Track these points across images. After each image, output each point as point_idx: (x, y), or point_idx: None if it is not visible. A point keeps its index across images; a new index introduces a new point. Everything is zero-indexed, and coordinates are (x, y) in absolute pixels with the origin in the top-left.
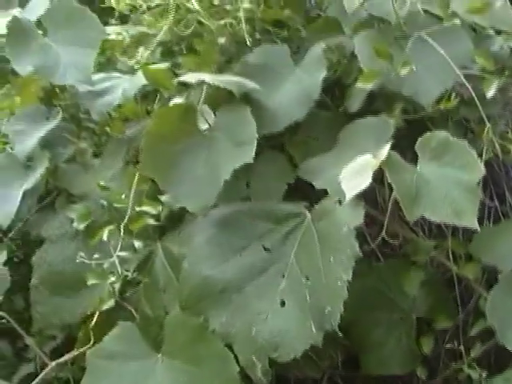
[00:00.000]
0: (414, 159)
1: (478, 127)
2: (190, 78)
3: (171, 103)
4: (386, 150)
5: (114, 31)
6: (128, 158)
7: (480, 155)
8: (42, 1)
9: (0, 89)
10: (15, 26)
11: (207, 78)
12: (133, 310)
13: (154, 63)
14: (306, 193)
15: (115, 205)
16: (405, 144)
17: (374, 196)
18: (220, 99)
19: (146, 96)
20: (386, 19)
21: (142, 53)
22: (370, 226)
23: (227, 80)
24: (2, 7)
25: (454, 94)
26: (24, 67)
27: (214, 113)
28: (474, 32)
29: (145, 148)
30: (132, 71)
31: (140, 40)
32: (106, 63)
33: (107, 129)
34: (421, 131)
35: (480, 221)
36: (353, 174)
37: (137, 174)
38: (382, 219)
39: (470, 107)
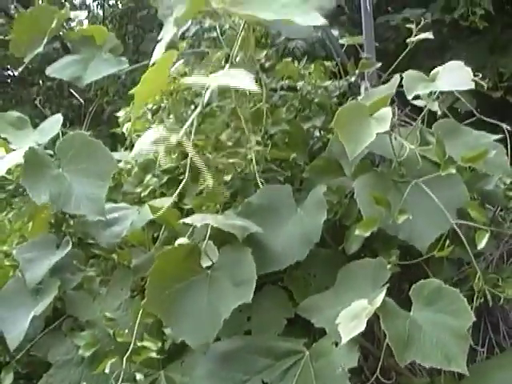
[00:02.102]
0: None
1: (471, 271)
2: (196, 220)
3: (176, 243)
4: (381, 296)
5: (122, 157)
6: (134, 287)
7: (471, 299)
8: (53, 125)
9: (12, 210)
10: (32, 156)
11: (212, 221)
12: None
13: (162, 194)
14: (305, 325)
15: (119, 339)
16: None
17: (372, 328)
18: (224, 238)
19: (153, 223)
20: (385, 159)
21: (149, 181)
22: (366, 358)
23: (231, 223)
24: (17, 126)
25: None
26: (39, 197)
27: (218, 249)
28: (470, 170)
29: (149, 286)
30: (139, 198)
31: (147, 167)
32: (113, 187)
33: (114, 256)
34: (416, 270)
35: (474, 350)
36: (349, 318)
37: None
38: (378, 354)
39: (463, 250)
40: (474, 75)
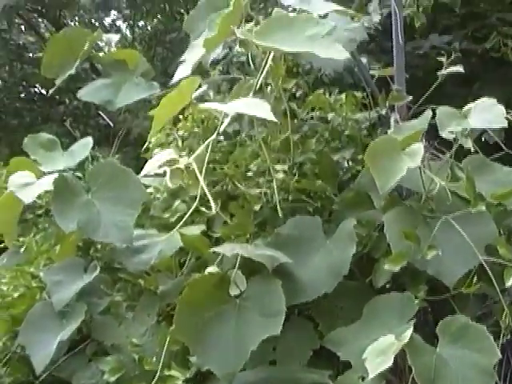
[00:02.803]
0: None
1: (496, 306)
2: (226, 250)
3: (206, 271)
4: (408, 332)
5: (151, 182)
6: (160, 313)
7: (498, 337)
8: (83, 148)
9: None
10: (61, 183)
11: (242, 251)
12: None
13: (191, 221)
14: (330, 357)
15: (146, 367)
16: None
17: (395, 360)
18: (252, 267)
19: (181, 249)
20: (412, 192)
21: (177, 206)
22: None
23: (261, 254)
24: (47, 148)
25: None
26: (67, 224)
27: (247, 278)
28: (498, 205)
29: (178, 314)
30: (167, 222)
31: (176, 192)
32: (141, 212)
33: (141, 281)
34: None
35: None
36: (376, 353)
37: (169, 335)
38: None
39: (490, 286)
40: (507, 112)
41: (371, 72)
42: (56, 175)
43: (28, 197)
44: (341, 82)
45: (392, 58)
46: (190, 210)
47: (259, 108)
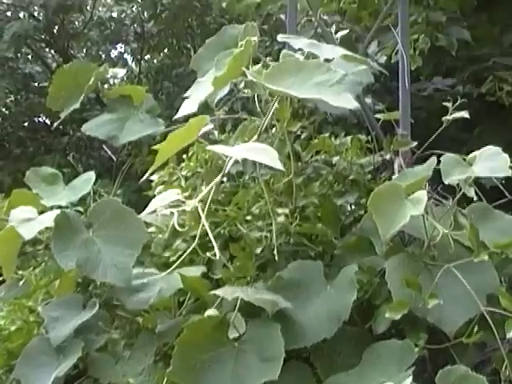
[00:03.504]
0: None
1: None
2: (227, 293)
3: (206, 314)
4: (408, 381)
5: (153, 220)
6: (157, 351)
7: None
8: (85, 182)
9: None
10: (63, 220)
11: (243, 294)
12: None
13: (190, 259)
14: None
15: None
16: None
17: None
18: (252, 310)
19: (180, 289)
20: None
21: (178, 246)
22: None
23: (261, 298)
24: (49, 182)
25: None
26: (66, 263)
27: (246, 321)
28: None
29: (176, 355)
30: (167, 260)
31: (177, 232)
32: (141, 250)
33: (139, 319)
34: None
35: None
36: None
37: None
38: None
39: (490, 335)
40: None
41: (376, 116)
42: (57, 212)
43: (29, 233)
44: (345, 121)
45: (396, 98)
46: (189, 250)
47: (266, 154)
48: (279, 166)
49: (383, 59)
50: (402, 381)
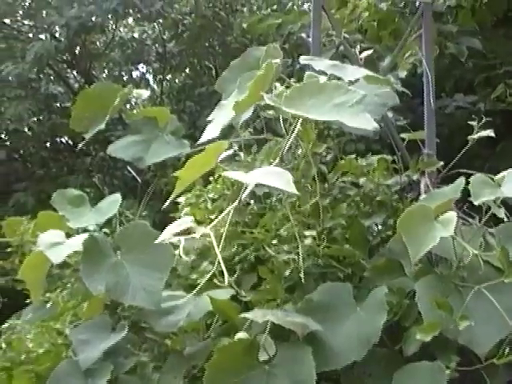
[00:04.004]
0: None
1: None
2: (257, 316)
3: (236, 337)
4: None
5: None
6: (186, 373)
7: None
8: (111, 205)
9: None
10: (91, 244)
11: (273, 317)
12: None
13: (218, 283)
14: None
15: None
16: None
17: None
18: (282, 332)
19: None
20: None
21: (205, 267)
22: None
23: (291, 320)
24: (75, 204)
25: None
26: (96, 287)
27: (275, 343)
28: None
29: (207, 379)
30: (194, 283)
31: (205, 254)
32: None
33: (168, 341)
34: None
35: None
36: None
37: None
38: None
39: None
40: None
41: (402, 135)
42: (86, 235)
43: (58, 257)
44: (367, 138)
45: (418, 115)
46: (208, 275)
47: (280, 178)
48: (293, 189)
49: (403, 74)
50: None
